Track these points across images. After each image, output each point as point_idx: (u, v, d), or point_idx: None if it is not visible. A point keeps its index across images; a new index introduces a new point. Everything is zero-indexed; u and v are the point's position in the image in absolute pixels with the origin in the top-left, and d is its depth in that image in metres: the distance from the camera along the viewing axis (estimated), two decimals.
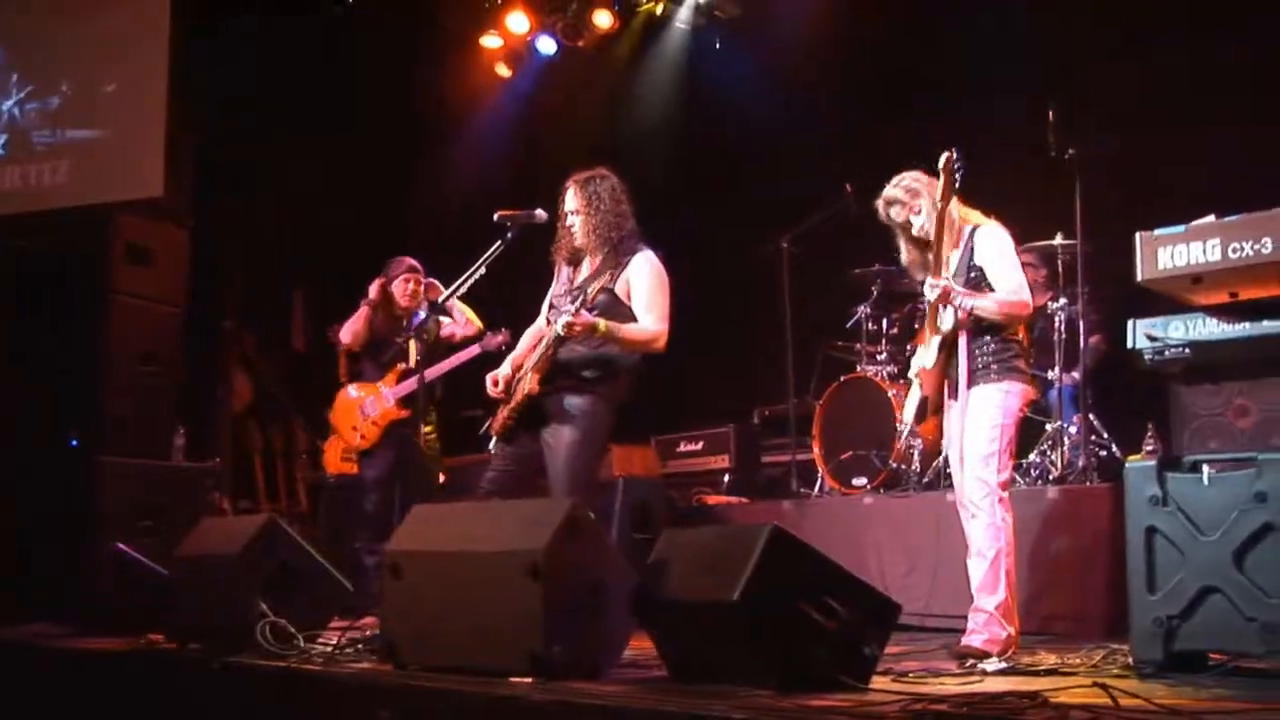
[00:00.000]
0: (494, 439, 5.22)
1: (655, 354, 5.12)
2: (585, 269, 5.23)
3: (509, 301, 6.21)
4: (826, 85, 8.69)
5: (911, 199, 4.89)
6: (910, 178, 4.93)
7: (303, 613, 4.64)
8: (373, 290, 6.96)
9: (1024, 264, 6.88)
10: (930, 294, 4.76)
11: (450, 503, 5.63)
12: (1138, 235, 3.87)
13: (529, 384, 5.03)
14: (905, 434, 6.76)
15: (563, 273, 5.32)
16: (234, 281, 9.38)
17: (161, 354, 6.56)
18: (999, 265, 4.78)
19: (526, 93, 9.78)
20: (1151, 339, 4.37)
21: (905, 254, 5.04)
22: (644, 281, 5.07)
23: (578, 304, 4.91)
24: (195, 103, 7.91)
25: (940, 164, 4.70)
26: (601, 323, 4.94)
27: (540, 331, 5.32)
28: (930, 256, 4.84)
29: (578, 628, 3.81)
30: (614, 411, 5.11)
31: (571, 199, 5.20)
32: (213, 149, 8.95)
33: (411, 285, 6.93)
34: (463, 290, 5.27)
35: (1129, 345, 4.53)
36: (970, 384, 4.72)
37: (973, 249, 4.81)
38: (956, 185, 4.70)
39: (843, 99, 8.66)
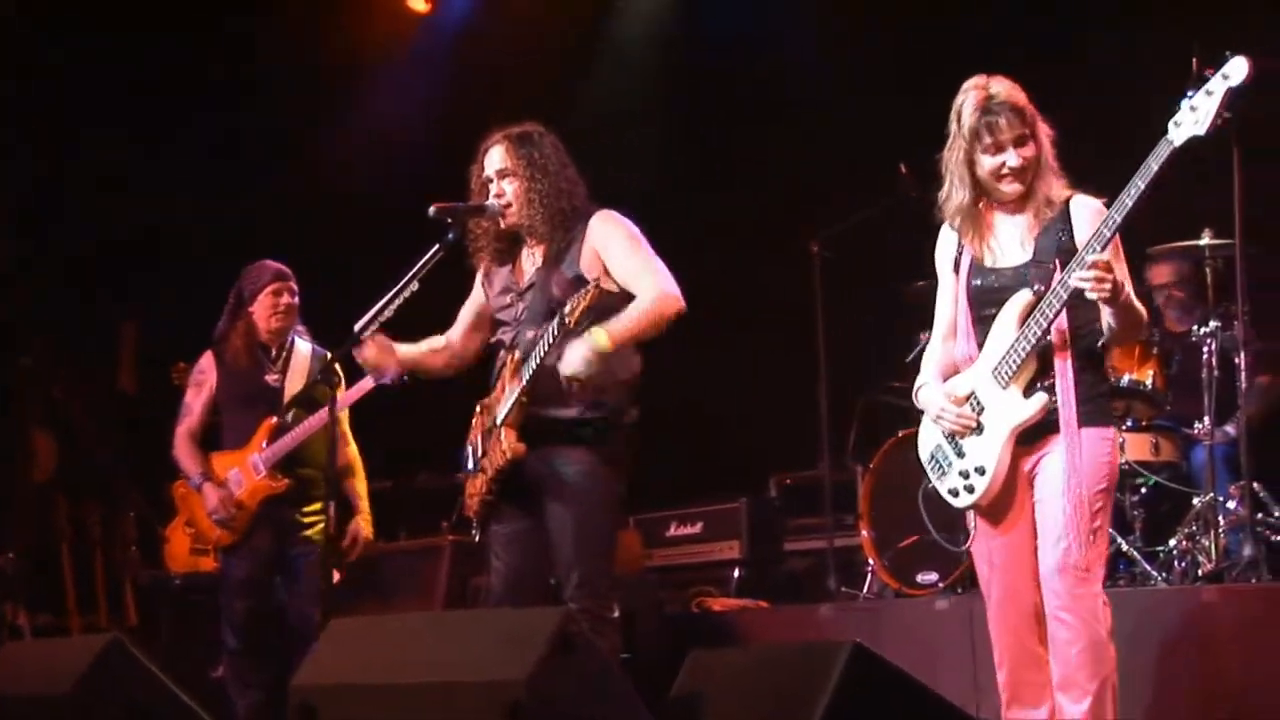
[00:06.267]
0: (474, 525, 5.25)
1: (677, 319, 5.06)
2: (530, 262, 5.24)
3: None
4: (874, 29, 8.75)
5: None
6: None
7: None
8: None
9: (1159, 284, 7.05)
10: (1086, 282, 4.28)
11: (377, 614, 5.57)
12: None
13: (506, 446, 5.02)
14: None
15: (498, 276, 5.33)
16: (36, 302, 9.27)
17: None
18: (1116, 255, 4.49)
19: (453, 33, 9.78)
20: None
21: (951, 195, 4.85)
22: (619, 241, 5.10)
23: (557, 333, 4.86)
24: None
25: None
26: (601, 336, 4.86)
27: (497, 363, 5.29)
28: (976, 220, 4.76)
29: None
30: (619, 476, 5.16)
31: (501, 158, 5.19)
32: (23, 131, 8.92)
33: (285, 299, 6.69)
34: (389, 314, 5.16)
35: None
36: (1080, 425, 4.49)
37: (1070, 224, 4.58)
38: None
39: (899, 50, 8.72)
